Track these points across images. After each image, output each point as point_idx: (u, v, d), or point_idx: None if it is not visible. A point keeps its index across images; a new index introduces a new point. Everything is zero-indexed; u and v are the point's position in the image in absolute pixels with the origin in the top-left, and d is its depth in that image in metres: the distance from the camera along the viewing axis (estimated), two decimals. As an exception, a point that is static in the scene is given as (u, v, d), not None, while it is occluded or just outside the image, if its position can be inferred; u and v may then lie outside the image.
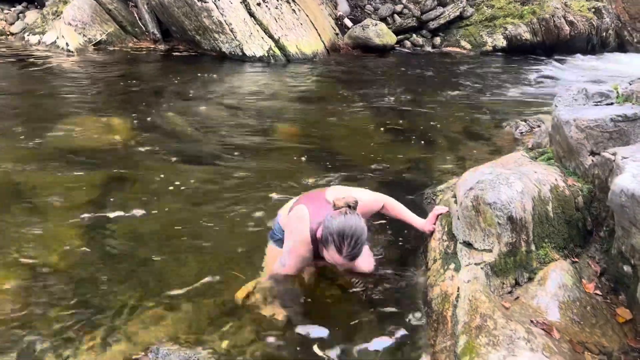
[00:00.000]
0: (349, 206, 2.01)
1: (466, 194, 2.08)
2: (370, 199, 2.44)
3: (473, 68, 8.94)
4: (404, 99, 6.40)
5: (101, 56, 8.03)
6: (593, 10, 11.09)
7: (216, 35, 8.35)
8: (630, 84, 2.26)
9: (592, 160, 2.17)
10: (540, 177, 2.15)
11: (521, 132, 4.75)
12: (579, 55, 10.74)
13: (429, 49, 11.10)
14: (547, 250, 2.01)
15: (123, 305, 2.23)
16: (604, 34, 11.26)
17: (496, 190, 1.98)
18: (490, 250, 1.97)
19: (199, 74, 7.11)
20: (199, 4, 8.10)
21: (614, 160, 1.98)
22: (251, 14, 8.52)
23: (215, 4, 8.18)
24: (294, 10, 9.09)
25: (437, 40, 11.29)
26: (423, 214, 2.67)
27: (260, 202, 3.26)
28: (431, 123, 5.33)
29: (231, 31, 8.29)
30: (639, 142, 2.09)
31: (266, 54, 8.36)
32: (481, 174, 2.15)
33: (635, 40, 12.10)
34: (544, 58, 10.26)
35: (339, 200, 2.04)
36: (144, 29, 9.18)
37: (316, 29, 9.45)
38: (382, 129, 5.20)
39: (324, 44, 9.46)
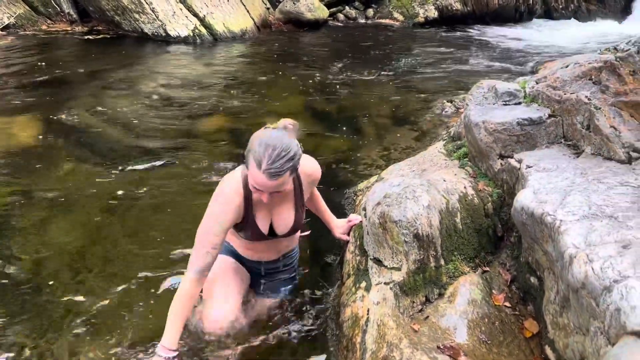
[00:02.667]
0: (285, 128, 1.79)
1: (374, 209, 1.99)
2: (315, 168, 2.13)
3: (405, 41, 8.88)
4: (335, 79, 6.25)
5: (10, 42, 7.37)
6: (520, -22, 11.21)
7: (136, 16, 7.85)
8: (537, 83, 2.21)
9: (501, 164, 2.12)
10: (449, 186, 2.09)
11: (447, 114, 4.74)
12: (505, 23, 10.92)
13: (362, 21, 10.96)
14: (457, 263, 1.96)
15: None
16: (531, 1, 11.46)
17: (402, 206, 1.90)
18: (399, 269, 1.90)
19: (118, 59, 6.66)
20: (114, -18, 7.57)
21: (519, 169, 1.94)
22: (172, -8, 8.04)
23: (132, -19, 7.66)
24: (218, -15, 8.65)
25: (370, 12, 11.16)
26: (344, 216, 2.59)
27: (181, 210, 3.07)
28: (360, 107, 5.23)
29: (152, 10, 7.81)
30: (545, 145, 2.05)
31: (192, 34, 7.95)
32: (389, 185, 2.06)
33: (560, 6, 12.40)
34: (473, 28, 10.36)
35: (273, 124, 1.82)
36: (58, 9, 8.50)
37: (244, 5, 9.05)
38: (311, 116, 5.06)
39: (253, 20, 9.11)
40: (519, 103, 2.23)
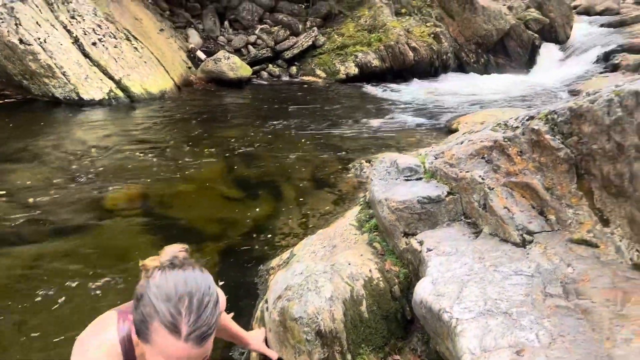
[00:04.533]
0: (175, 260, 1.19)
1: (275, 303, 1.85)
2: (224, 299, 1.57)
3: (327, 98, 9.05)
4: (256, 140, 6.18)
5: None
6: (432, 35, 11.91)
7: (46, 80, 7.49)
8: (436, 158, 2.21)
9: (405, 244, 2.07)
10: (354, 270, 2.00)
11: (365, 175, 4.75)
12: (422, 78, 11.46)
13: (286, 78, 11.11)
14: (365, 356, 1.84)
15: None
16: (444, 56, 12.14)
17: (303, 300, 1.78)
18: (303, 370, 1.75)
19: (24, 126, 6.26)
20: (21, 46, 7.22)
21: (420, 252, 1.88)
22: (86, 55, 7.78)
23: (41, 46, 7.35)
24: (135, 48, 8.49)
25: (294, 69, 11.35)
26: (256, 299, 2.43)
27: (80, 296, 2.78)
28: (282, 169, 5.16)
29: (63, 74, 7.49)
30: (447, 223, 2.02)
31: (107, 97, 7.67)
32: (292, 274, 1.94)
33: (472, 60, 13.22)
34: (392, 83, 10.77)
35: (155, 259, 1.22)
36: (-40, 73, 7.97)
37: (163, 66, 8.93)
38: (230, 181, 4.92)
39: (173, 80, 8.98)
40: (420, 178, 2.21)
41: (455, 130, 6.37)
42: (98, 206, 4.21)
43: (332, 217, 3.83)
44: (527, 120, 1.90)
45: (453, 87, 10.37)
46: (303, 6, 11.94)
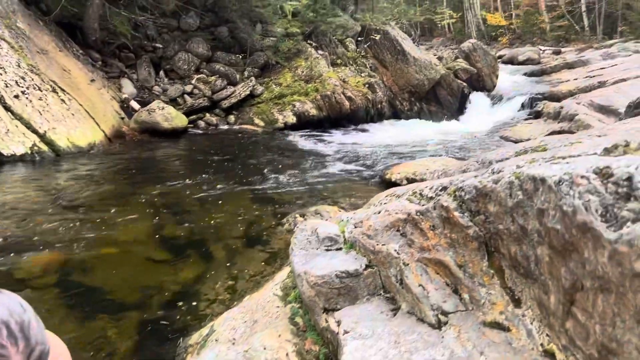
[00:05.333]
0: None
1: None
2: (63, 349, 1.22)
3: (264, 147, 9.01)
4: (189, 195, 5.98)
5: None
6: (367, 85, 12.26)
7: (-40, 135, 7.02)
8: (355, 227, 2.15)
9: (325, 321, 1.96)
10: (269, 357, 1.86)
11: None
12: (359, 125, 11.72)
13: (224, 127, 11.02)
14: None
15: None
16: (379, 105, 12.50)
17: (210, 397, 1.62)
18: None
19: None
20: None
21: (337, 333, 1.78)
22: (7, 108, 7.38)
23: (-44, 99, 6.92)
24: (62, 100, 8.17)
25: (232, 118, 11.30)
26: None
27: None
28: (213, 227, 4.98)
29: (-20, 129, 7.05)
30: (366, 297, 1.94)
31: (29, 152, 7.26)
32: (202, 364, 1.78)
33: (406, 108, 13.69)
34: (329, 131, 10.91)
35: None
36: None
37: (93, 118, 8.62)
38: (159, 241, 4.68)
39: (104, 132, 8.67)
40: (340, 249, 2.14)
41: (389, 181, 6.45)
42: (8, 276, 3.85)
43: (263, 279, 3.68)
44: (441, 190, 1.88)
45: (388, 135, 10.62)
46: (240, 57, 12.03)
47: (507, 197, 1.35)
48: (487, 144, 9.47)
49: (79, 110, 8.37)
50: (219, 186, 6.38)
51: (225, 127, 10.99)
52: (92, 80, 9.75)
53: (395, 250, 1.81)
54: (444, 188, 1.84)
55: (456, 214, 1.57)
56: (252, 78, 11.75)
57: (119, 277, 3.98)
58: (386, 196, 2.61)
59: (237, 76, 11.73)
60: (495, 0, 36.33)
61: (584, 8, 27.80)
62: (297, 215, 5.01)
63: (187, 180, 6.59)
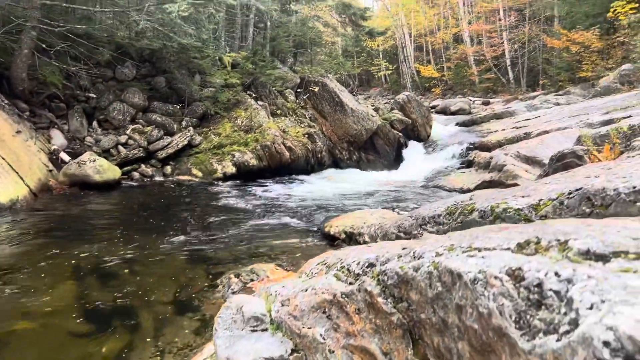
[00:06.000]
0: None
1: None
2: None
3: (201, 200, 8.79)
4: (118, 256, 5.66)
5: None
6: (307, 135, 12.39)
7: None
8: (282, 305, 2.06)
9: (250, 413, 1.83)
10: None
11: (233, 291, 4.48)
12: (299, 175, 11.75)
13: (160, 178, 10.72)
14: None
15: None
16: (319, 154, 12.62)
17: None
18: None
19: None
20: None
21: None
22: None
23: None
24: (-19, 153, 7.68)
25: (168, 169, 11.03)
26: None
27: None
28: (143, 291, 4.69)
29: None
30: (293, 384, 1.83)
31: (-60, 210, 6.71)
32: None
33: (345, 157, 13.92)
34: (270, 182, 10.85)
35: None
36: None
37: (17, 172, 8.14)
38: (82, 311, 4.33)
39: (28, 187, 8.18)
40: (266, 329, 2.03)
41: (328, 234, 6.42)
42: None
43: (191, 352, 3.46)
44: (367, 267, 1.84)
45: (328, 185, 10.69)
46: (178, 107, 11.89)
47: (427, 287, 1.32)
48: (423, 194, 9.70)
49: (0, 164, 7.88)
50: (150, 244, 6.09)
51: (161, 178, 10.69)
52: (18, 132, 9.26)
53: (321, 335, 1.73)
54: (371, 265, 1.80)
55: (379, 299, 1.52)
56: (190, 128, 11.60)
57: (33, 356, 3.62)
58: (317, 264, 2.54)
59: (175, 126, 11.55)
60: (428, 53, 38.41)
61: (508, 62, 29.89)
62: (232, 276, 4.83)
63: (116, 239, 6.26)
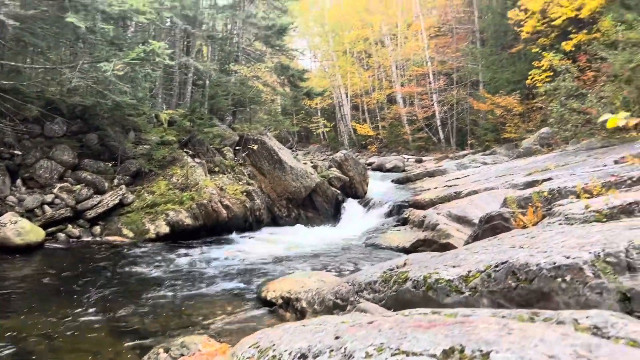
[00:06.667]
0: None
1: None
2: None
3: (131, 262, 8.37)
4: (35, 330, 5.19)
5: None
6: (245, 193, 12.31)
7: None
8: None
9: None
10: None
11: (162, 370, 4.21)
12: (237, 234, 11.58)
13: (87, 239, 10.19)
14: None
15: None
16: (257, 212, 12.53)
17: None
18: None
19: None
20: None
21: None
22: None
23: None
24: None
25: (97, 229, 10.53)
26: None
27: None
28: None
29: None
30: None
31: None
32: None
33: (284, 214, 13.89)
34: (206, 241, 10.59)
35: None
36: None
37: None
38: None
39: (-64, 252, 7.50)
40: None
41: (265, 299, 6.27)
42: None
43: None
44: (299, 358, 1.79)
45: (267, 244, 10.56)
46: (110, 164, 11.52)
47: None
48: (361, 253, 9.77)
49: None
50: (72, 315, 5.67)
51: (89, 239, 10.17)
52: None
53: None
54: (303, 357, 1.75)
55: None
56: (123, 186, 11.23)
57: None
58: (250, 346, 2.44)
59: (106, 184, 11.13)
60: (364, 112, 39.94)
61: (439, 123, 31.59)
62: (161, 350, 4.55)
63: (35, 310, 5.79)
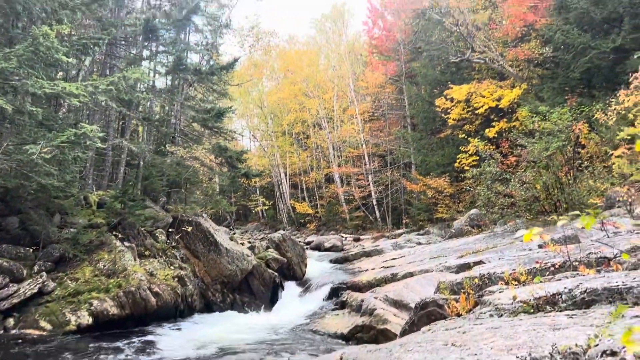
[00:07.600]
0: None
1: None
2: None
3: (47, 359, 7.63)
4: None
5: None
6: (177, 278, 11.80)
7: None
8: None
9: None
10: None
11: None
12: (166, 323, 10.93)
13: (-1, 333, 9.25)
14: None
15: None
16: (190, 299, 11.97)
17: None
18: None
19: None
20: None
21: None
22: None
23: None
24: None
25: (11, 321, 9.62)
26: None
27: None
28: None
29: None
30: None
31: None
32: None
33: (218, 299, 13.34)
34: (133, 332, 9.91)
35: None
36: None
37: None
38: None
39: None
40: None
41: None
42: None
43: None
44: None
45: (197, 336, 10.00)
46: (31, 249, 10.77)
47: None
48: (299, 341, 9.45)
49: None
50: None
51: (1, 332, 9.24)
52: None
53: None
54: None
55: None
56: (44, 273, 10.45)
57: None
58: None
59: (25, 271, 10.33)
60: (303, 191, 40.42)
61: (375, 202, 32.40)
62: None
63: None
